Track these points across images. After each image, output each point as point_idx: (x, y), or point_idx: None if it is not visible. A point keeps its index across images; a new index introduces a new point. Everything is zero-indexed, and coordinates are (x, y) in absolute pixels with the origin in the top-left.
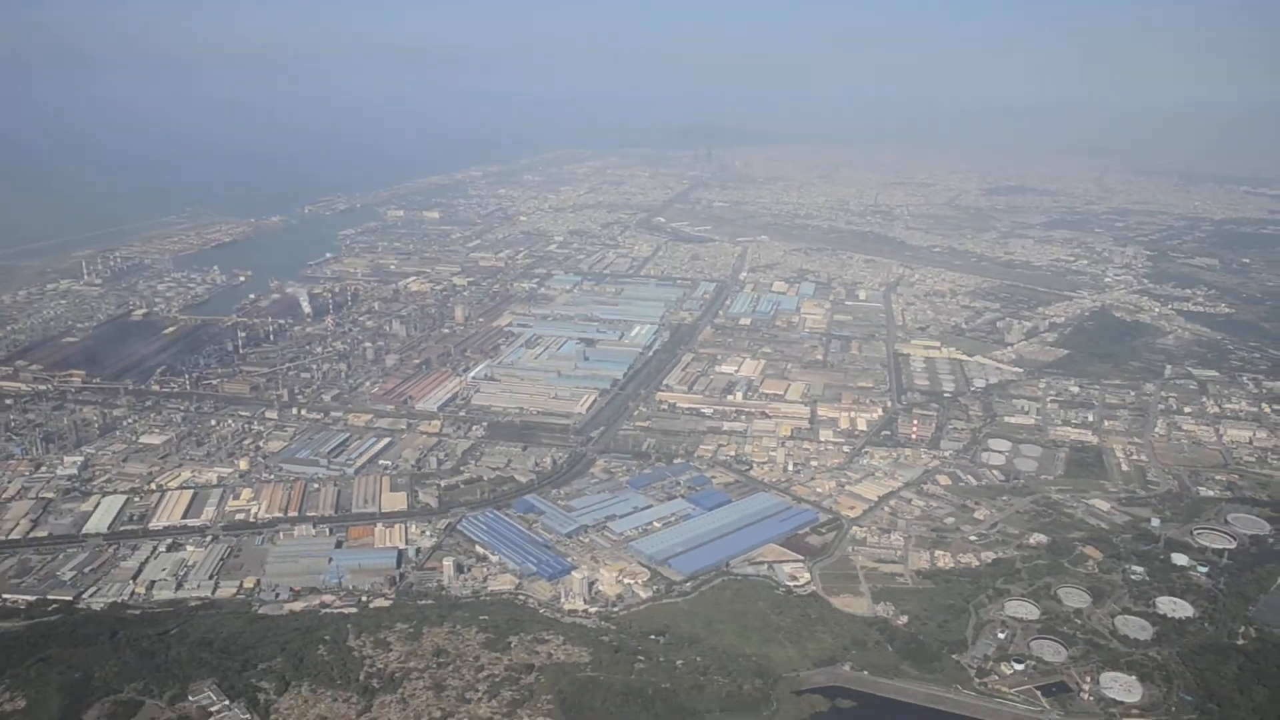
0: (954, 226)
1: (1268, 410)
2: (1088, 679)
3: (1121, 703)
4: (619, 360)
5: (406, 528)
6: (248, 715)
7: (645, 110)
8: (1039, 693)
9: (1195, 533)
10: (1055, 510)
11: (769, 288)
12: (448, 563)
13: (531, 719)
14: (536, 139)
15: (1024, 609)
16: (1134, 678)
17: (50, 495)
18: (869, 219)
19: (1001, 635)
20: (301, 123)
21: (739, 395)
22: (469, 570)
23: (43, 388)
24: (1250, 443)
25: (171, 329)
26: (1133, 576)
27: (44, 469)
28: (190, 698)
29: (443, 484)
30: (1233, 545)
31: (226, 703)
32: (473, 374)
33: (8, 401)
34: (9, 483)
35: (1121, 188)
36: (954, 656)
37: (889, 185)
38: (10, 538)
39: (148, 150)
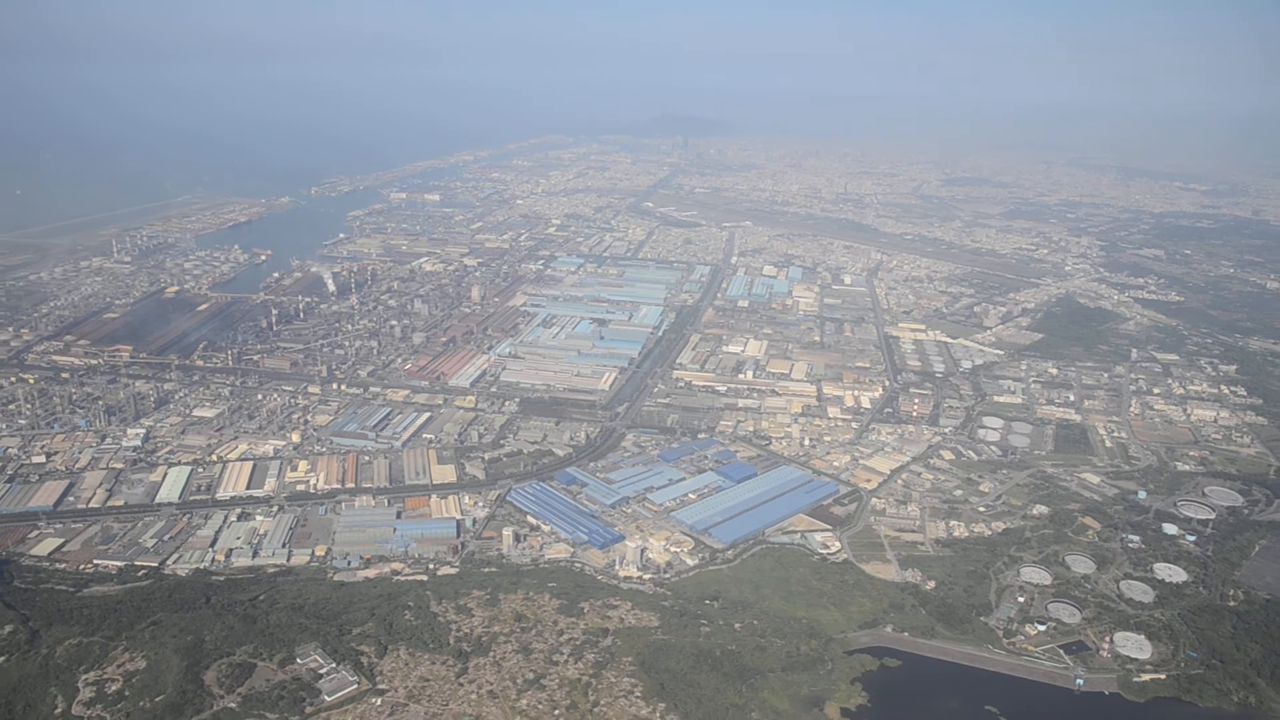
0: (921, 215)
1: (1226, 391)
2: (1107, 639)
3: (1136, 659)
4: (632, 340)
5: (460, 499)
6: (355, 677)
7: (615, 99)
8: (1061, 651)
9: (1178, 504)
10: (1051, 484)
11: (760, 272)
12: (507, 532)
13: (617, 679)
14: (517, 126)
15: (1037, 575)
16: (1143, 637)
17: (119, 465)
18: (842, 206)
19: (1021, 599)
20: (272, 110)
21: (749, 374)
22: (525, 539)
23: (94, 362)
24: (1215, 421)
25: (204, 306)
26: (1130, 545)
27: (109, 440)
28: (298, 660)
29: (487, 457)
30: (1212, 515)
31: (334, 665)
32: (497, 352)
33: (64, 375)
34: (80, 454)
35: (1068, 180)
36: (981, 619)
37: (856, 175)
38: (90, 506)
39: (139, 134)
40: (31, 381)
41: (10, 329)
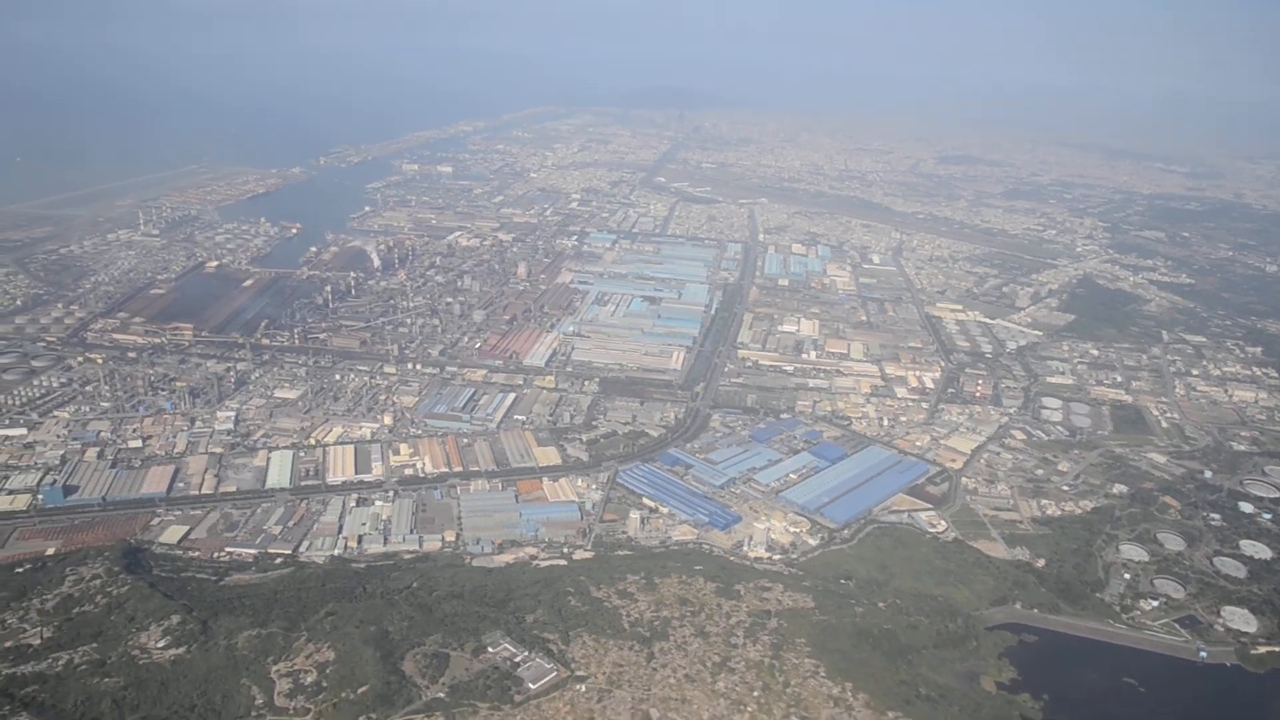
0: (925, 193)
1: (1259, 373)
2: (1220, 613)
3: (1247, 633)
4: (689, 319)
5: (574, 481)
6: (552, 665)
7: (596, 69)
8: (1177, 625)
9: (1244, 483)
10: (1122, 463)
11: (790, 250)
12: (634, 516)
13: (799, 660)
14: (511, 95)
15: (1136, 552)
16: (1247, 611)
17: (218, 450)
18: (848, 184)
19: (1127, 575)
20: (284, 76)
21: (812, 354)
22: (648, 522)
23: (157, 340)
24: (1256, 402)
25: (249, 281)
26: (1213, 522)
27: (199, 424)
28: (490, 649)
29: (585, 438)
30: (1277, 494)
31: (526, 653)
32: (561, 330)
33: (131, 355)
34: (174, 438)
35: (1055, 160)
36: (1097, 595)
37: (853, 152)
38: (203, 492)
39: (154, 100)
40: (100, 361)
41: (59, 305)
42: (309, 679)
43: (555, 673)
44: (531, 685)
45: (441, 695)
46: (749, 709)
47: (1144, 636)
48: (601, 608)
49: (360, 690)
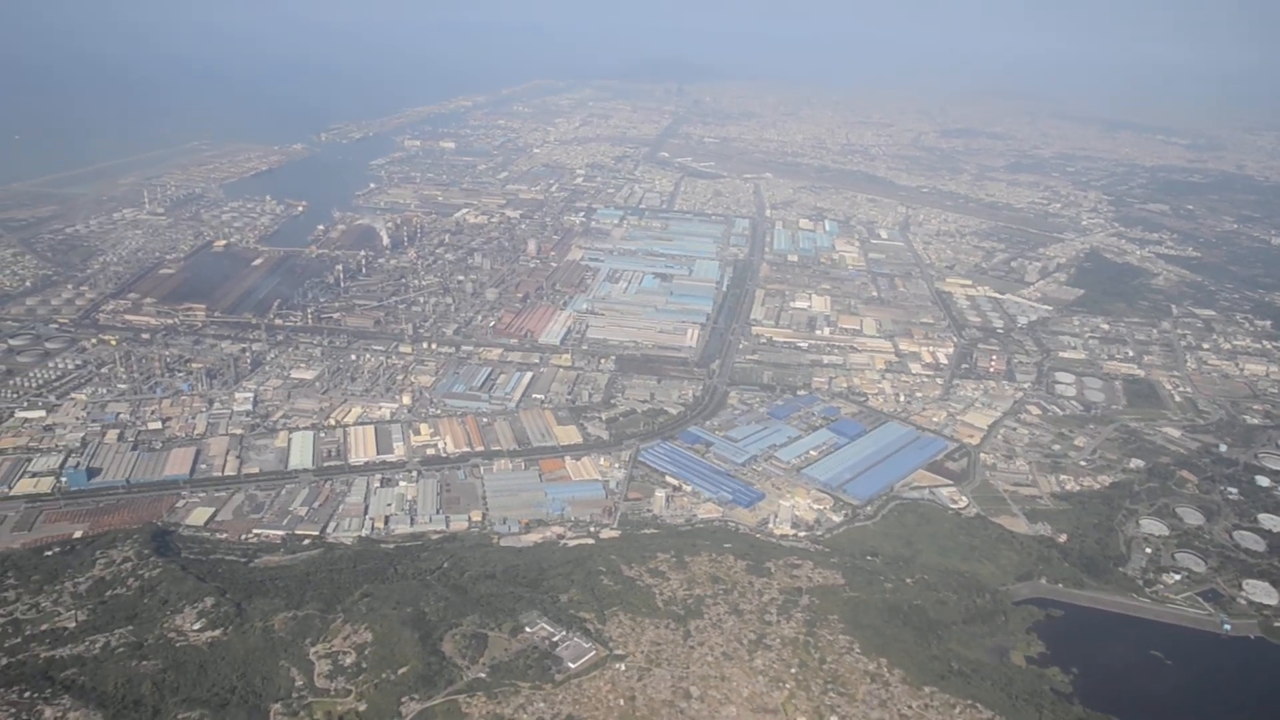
0: (929, 167)
1: (1269, 346)
2: (1241, 586)
3: (1269, 605)
4: (701, 295)
5: (596, 460)
6: (590, 644)
7: (596, 41)
8: (1200, 599)
9: (1259, 456)
10: (1138, 438)
11: (797, 225)
12: (660, 494)
13: (833, 637)
14: (509, 69)
15: (1156, 526)
16: (1267, 584)
17: (239, 431)
18: (851, 158)
19: (1149, 550)
20: (273, 49)
21: (825, 330)
22: (673, 500)
23: (170, 321)
24: (1267, 375)
25: (259, 260)
26: (1230, 496)
27: (217, 405)
28: (528, 629)
29: (604, 416)
30: None
31: (564, 632)
32: (574, 308)
33: (144, 336)
34: (194, 419)
35: (1056, 133)
36: (1120, 569)
37: (854, 125)
38: (226, 474)
39: (146, 73)
40: (113, 343)
41: (70, 286)
42: (348, 660)
43: (594, 652)
44: (571, 664)
45: (482, 675)
46: (788, 686)
47: (1167, 610)
48: (634, 586)
49: (401, 671)
